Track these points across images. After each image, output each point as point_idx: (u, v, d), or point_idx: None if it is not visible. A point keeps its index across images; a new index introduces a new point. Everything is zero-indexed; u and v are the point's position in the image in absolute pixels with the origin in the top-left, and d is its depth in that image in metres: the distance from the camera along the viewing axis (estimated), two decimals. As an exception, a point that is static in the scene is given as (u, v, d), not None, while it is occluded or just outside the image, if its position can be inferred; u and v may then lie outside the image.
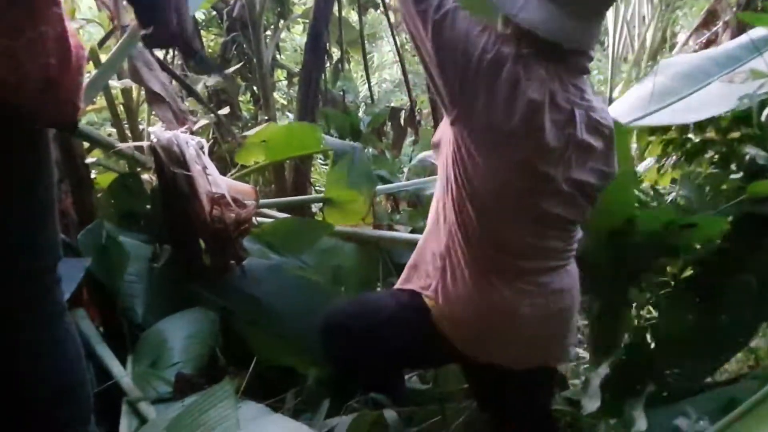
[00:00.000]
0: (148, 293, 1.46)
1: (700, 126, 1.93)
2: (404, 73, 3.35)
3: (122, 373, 1.26)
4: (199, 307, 1.48)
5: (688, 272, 1.89)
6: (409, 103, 3.43)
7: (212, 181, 1.53)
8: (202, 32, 3.44)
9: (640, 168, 2.46)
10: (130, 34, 1.59)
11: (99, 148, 1.77)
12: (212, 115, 2.34)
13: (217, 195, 1.52)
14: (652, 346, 1.66)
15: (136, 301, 1.43)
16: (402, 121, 3.48)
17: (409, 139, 3.66)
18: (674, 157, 2.15)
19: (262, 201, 1.88)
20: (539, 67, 1.14)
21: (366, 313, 1.34)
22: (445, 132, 1.25)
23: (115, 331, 1.37)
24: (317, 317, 1.36)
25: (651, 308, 2.52)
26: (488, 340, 1.24)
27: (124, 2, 1.83)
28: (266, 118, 2.96)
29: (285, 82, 4.32)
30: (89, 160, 1.67)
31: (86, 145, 1.74)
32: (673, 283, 1.99)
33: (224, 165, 2.38)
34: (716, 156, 1.99)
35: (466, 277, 1.22)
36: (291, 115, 3.74)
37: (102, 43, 2.11)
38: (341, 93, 3.34)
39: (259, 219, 1.74)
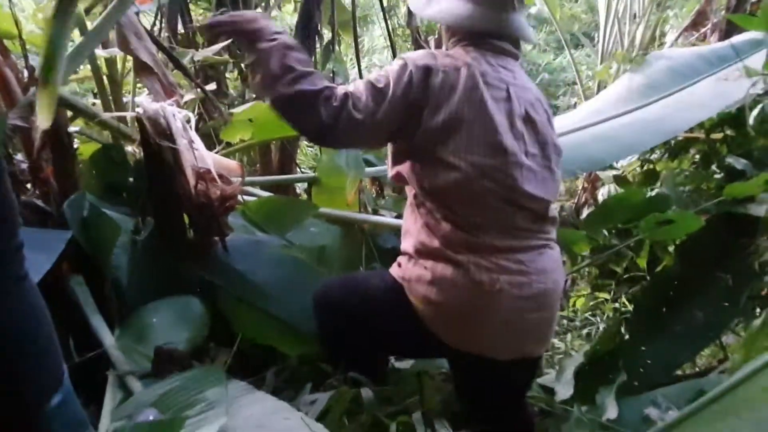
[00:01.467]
0: (131, 266, 1.45)
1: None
2: (395, 58, 3.34)
3: (112, 344, 1.26)
4: (192, 294, 1.47)
5: (664, 266, 1.94)
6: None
7: (198, 156, 1.51)
8: (191, 6, 3.37)
9: (623, 162, 2.50)
10: (118, 2, 1.55)
11: (82, 117, 1.74)
12: (199, 90, 2.30)
13: (203, 170, 1.50)
14: (626, 337, 1.70)
15: (120, 273, 1.42)
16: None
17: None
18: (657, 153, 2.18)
19: (247, 179, 1.87)
20: (465, 57, 1.23)
21: (353, 290, 1.35)
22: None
23: (99, 303, 1.36)
24: (301, 294, 1.37)
25: (627, 302, 2.59)
26: (468, 324, 1.22)
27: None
28: (254, 96, 2.92)
29: (274, 61, 4.25)
30: (72, 129, 1.64)
31: (69, 113, 1.70)
32: (648, 276, 2.04)
33: (210, 141, 2.35)
34: (698, 155, 2.03)
35: (441, 258, 1.20)
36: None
37: (89, 10, 2.05)
38: (331, 75, 3.30)
39: (244, 197, 1.73)
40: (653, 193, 1.97)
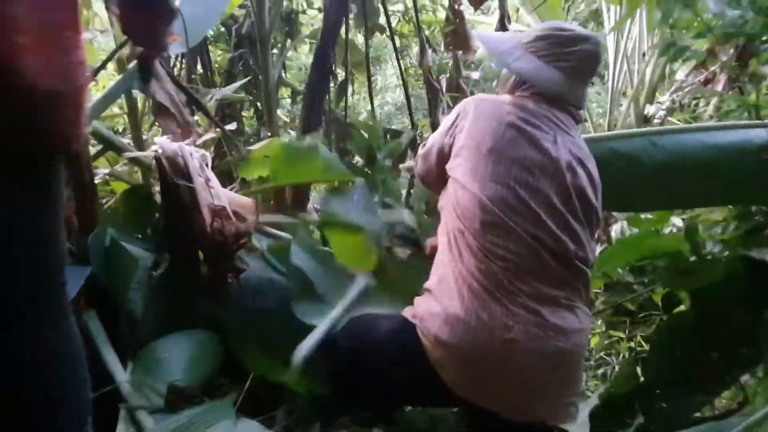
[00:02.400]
0: (146, 300, 1.46)
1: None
2: (407, 96, 3.40)
3: (124, 379, 1.26)
4: (206, 330, 1.48)
5: (680, 307, 1.91)
6: (410, 127, 3.47)
7: (214, 194, 1.55)
8: (210, 47, 3.48)
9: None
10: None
11: (113, 151, 1.79)
12: (218, 129, 2.36)
13: (219, 207, 1.53)
14: (642, 379, 1.67)
15: (135, 308, 1.43)
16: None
17: (408, 162, 3.69)
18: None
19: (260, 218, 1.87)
20: (520, 102, 1.33)
21: (363, 331, 1.34)
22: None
23: (113, 338, 1.37)
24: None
25: (642, 341, 2.54)
26: (479, 372, 1.16)
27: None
28: (269, 134, 2.98)
29: (289, 100, 4.36)
30: (102, 171, 1.69)
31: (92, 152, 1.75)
32: (665, 317, 2.01)
33: (226, 179, 2.39)
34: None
35: (457, 295, 1.16)
36: (293, 133, 3.78)
37: (113, 54, 2.13)
38: (344, 113, 3.37)
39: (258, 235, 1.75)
40: (667, 232, 1.96)
